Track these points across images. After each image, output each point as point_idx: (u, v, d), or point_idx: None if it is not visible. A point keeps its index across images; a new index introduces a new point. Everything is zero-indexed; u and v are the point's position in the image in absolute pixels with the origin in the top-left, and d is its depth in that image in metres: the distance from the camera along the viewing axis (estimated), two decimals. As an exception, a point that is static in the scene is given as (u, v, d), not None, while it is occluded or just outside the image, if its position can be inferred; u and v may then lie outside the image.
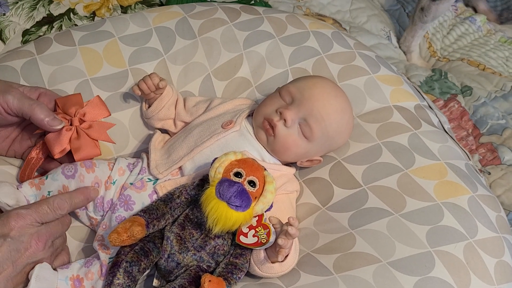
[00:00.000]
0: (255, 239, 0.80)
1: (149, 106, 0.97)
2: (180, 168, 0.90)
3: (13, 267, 0.75)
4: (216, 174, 0.79)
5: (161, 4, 1.40)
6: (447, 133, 1.03)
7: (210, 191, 0.76)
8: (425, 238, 0.83)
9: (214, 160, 0.81)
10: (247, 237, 0.80)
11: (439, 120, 1.05)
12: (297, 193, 0.94)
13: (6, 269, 0.74)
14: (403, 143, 0.96)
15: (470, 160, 1.00)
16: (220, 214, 0.75)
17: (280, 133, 0.89)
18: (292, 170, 0.94)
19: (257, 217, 0.81)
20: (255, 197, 0.80)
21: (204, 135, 0.91)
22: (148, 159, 0.92)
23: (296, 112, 0.89)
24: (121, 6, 1.39)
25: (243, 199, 0.76)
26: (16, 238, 0.75)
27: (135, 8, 1.39)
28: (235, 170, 0.79)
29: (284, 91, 0.92)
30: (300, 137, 0.90)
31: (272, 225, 0.81)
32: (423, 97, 1.08)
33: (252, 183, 0.80)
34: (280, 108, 0.90)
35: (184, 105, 0.99)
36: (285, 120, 0.89)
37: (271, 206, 0.81)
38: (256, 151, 0.91)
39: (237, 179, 0.79)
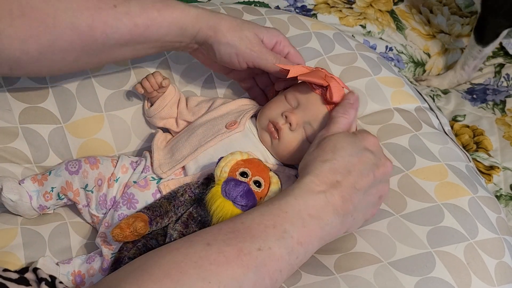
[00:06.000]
0: (258, 238, 0.80)
1: (151, 105, 0.97)
2: (183, 167, 0.90)
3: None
4: (222, 173, 0.79)
5: (161, 3, 1.40)
6: (447, 134, 1.03)
7: (216, 190, 0.76)
8: (426, 239, 0.84)
9: (220, 159, 0.81)
10: (250, 236, 0.80)
11: (440, 122, 1.05)
12: (298, 193, 0.94)
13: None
14: (403, 145, 0.96)
15: (470, 161, 1.01)
16: (226, 213, 0.75)
17: (285, 136, 0.89)
18: (293, 171, 0.94)
19: (260, 217, 0.81)
20: (260, 198, 0.80)
21: (208, 135, 0.91)
22: (151, 158, 0.92)
23: (302, 116, 0.89)
24: (120, 5, 1.38)
25: (249, 199, 0.76)
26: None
27: (134, 6, 1.38)
28: (241, 169, 0.79)
29: (290, 95, 0.92)
30: (305, 140, 0.90)
31: (276, 224, 0.81)
32: (424, 99, 1.09)
33: (257, 184, 0.80)
34: (286, 111, 0.89)
35: (186, 105, 0.99)
36: (290, 123, 0.89)
37: (275, 206, 0.81)
38: (259, 152, 0.91)
39: (243, 179, 0.79)
